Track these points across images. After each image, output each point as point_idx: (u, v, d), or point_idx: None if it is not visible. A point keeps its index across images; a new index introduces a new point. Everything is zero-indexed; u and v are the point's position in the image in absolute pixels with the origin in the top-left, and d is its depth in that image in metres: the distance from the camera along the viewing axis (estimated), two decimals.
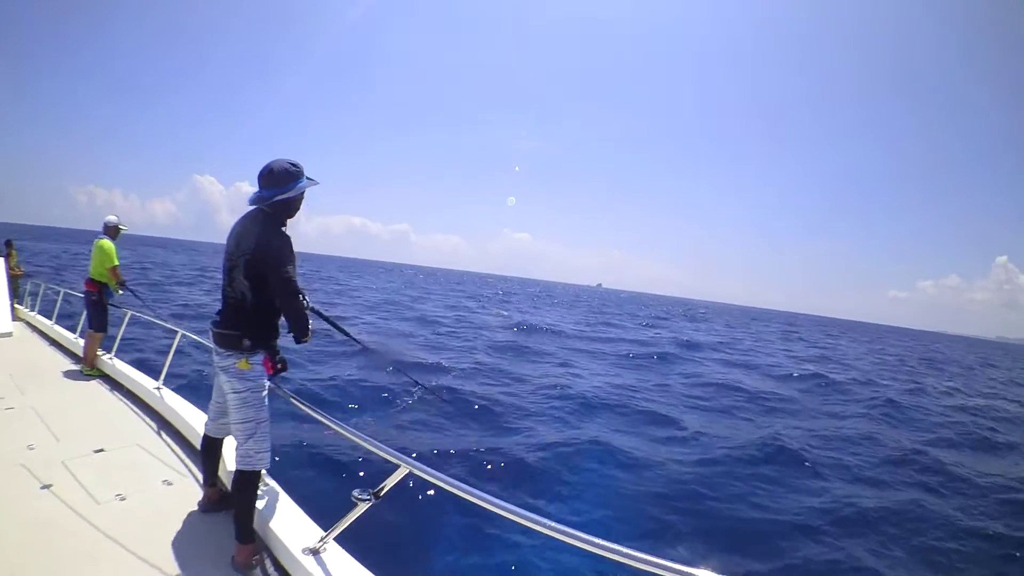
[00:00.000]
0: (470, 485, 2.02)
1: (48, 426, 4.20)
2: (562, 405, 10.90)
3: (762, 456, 8.85)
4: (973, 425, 13.72)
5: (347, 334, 3.35)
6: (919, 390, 19.78)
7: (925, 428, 12.91)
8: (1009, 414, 16.87)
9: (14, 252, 10.83)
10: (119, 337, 6.08)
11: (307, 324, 2.68)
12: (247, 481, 2.66)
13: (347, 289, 42.52)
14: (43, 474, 3.36)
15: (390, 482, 2.30)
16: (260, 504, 2.87)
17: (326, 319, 3.08)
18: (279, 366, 2.79)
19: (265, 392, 2.71)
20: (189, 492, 3.26)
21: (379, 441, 2.41)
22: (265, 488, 3.04)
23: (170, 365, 5.06)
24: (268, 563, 2.64)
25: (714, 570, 1.51)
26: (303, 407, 2.83)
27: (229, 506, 3.07)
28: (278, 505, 2.90)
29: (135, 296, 6.67)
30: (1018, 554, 6.35)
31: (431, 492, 5.46)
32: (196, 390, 7.59)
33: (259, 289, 2.59)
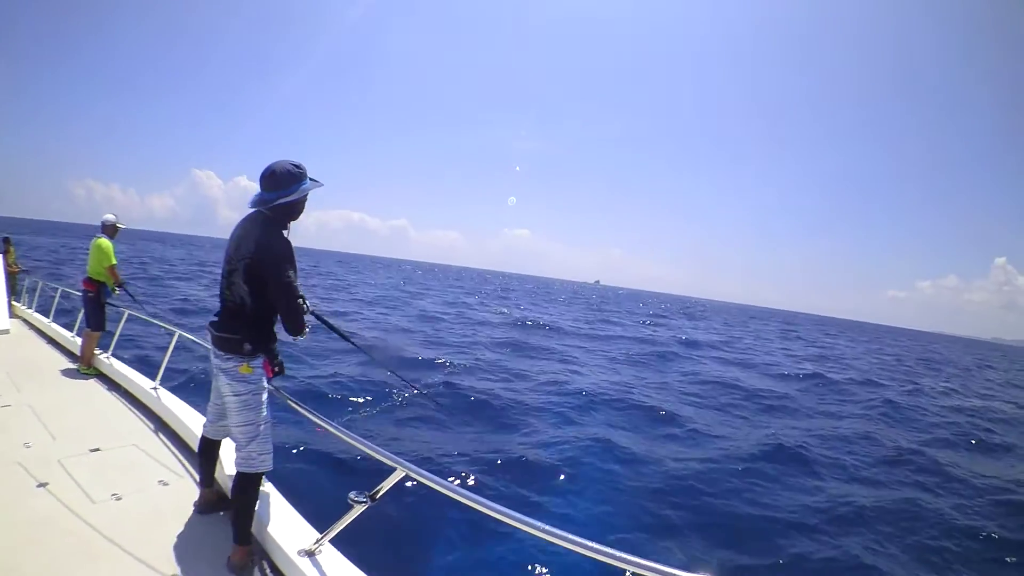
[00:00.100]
0: (466, 487, 2.02)
1: (44, 424, 4.19)
2: (562, 401, 10.93)
3: (760, 454, 8.89)
4: (970, 426, 13.76)
5: (348, 339, 3.32)
6: (917, 390, 19.84)
7: (922, 428, 12.95)
8: (1006, 415, 16.91)
9: (12, 249, 10.81)
10: (116, 336, 6.07)
11: (303, 326, 2.64)
12: (249, 483, 2.64)
13: (345, 284, 42.48)
14: (39, 472, 3.35)
15: (386, 485, 2.30)
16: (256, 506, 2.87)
17: (328, 324, 3.05)
18: (277, 369, 2.78)
19: (265, 394, 2.70)
20: (185, 493, 3.25)
21: (377, 441, 2.40)
22: (260, 490, 3.03)
23: (167, 364, 5.05)
24: (264, 565, 2.64)
25: (712, 571, 1.51)
26: (300, 409, 2.82)
27: (225, 507, 3.07)
28: (274, 507, 2.90)
29: (131, 298, 6.65)
30: (1011, 557, 6.38)
31: (427, 494, 5.42)
32: (193, 390, 7.59)
33: (259, 294, 2.56)
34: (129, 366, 5.72)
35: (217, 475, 3.20)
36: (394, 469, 2.26)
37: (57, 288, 8.38)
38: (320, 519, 2.72)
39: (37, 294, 9.18)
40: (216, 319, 2.69)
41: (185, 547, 2.73)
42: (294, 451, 6.04)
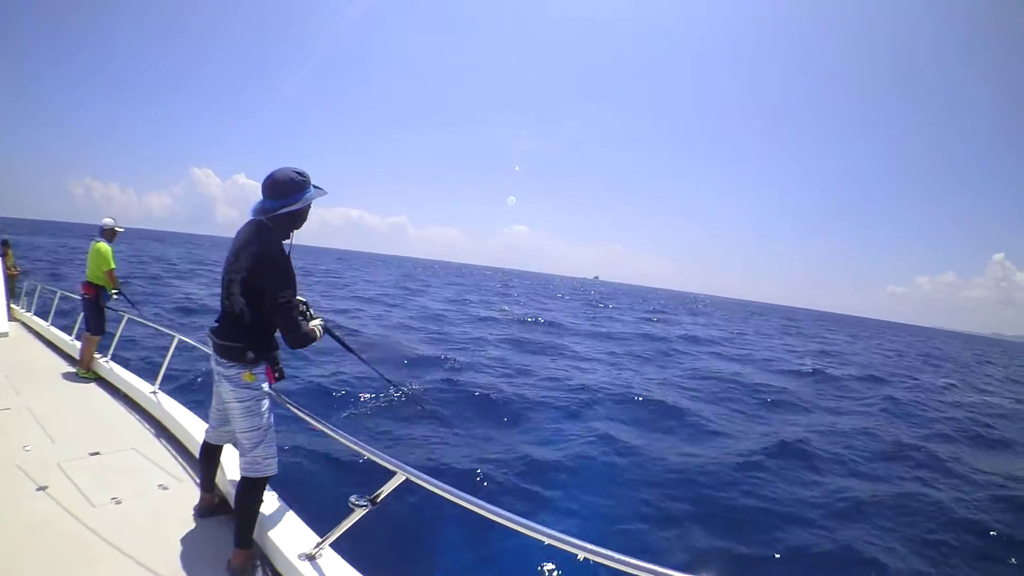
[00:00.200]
0: (468, 489, 2.02)
1: (44, 428, 4.19)
2: (564, 397, 10.97)
3: (761, 449, 8.93)
4: (969, 421, 13.77)
5: (351, 349, 3.30)
6: (917, 386, 19.86)
7: (922, 424, 12.97)
8: (1005, 411, 16.96)
9: (11, 252, 10.80)
10: (115, 340, 6.06)
11: (306, 339, 2.61)
12: (254, 487, 2.64)
13: (345, 282, 42.42)
14: (39, 476, 3.35)
15: (386, 488, 2.30)
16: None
17: (332, 335, 3.05)
18: (278, 375, 2.78)
19: (268, 400, 2.70)
20: (185, 497, 3.25)
21: (379, 443, 2.40)
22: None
23: (165, 368, 5.04)
24: (264, 569, 2.64)
25: (713, 569, 1.51)
26: (300, 413, 2.82)
27: (226, 512, 3.08)
28: (274, 511, 2.90)
29: (129, 303, 6.64)
30: (1009, 553, 6.40)
31: (428, 498, 5.36)
32: (193, 393, 7.60)
33: (256, 306, 2.53)
34: (128, 370, 5.72)
35: (217, 480, 3.19)
36: (394, 473, 2.26)
37: (56, 291, 8.37)
38: (320, 523, 2.72)
39: (36, 297, 9.17)
40: (217, 325, 2.67)
41: (185, 551, 2.73)
42: (295, 455, 6.04)
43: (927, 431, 12.11)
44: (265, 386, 2.68)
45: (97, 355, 5.98)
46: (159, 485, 3.41)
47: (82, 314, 6.37)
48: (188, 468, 3.69)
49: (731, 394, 13.69)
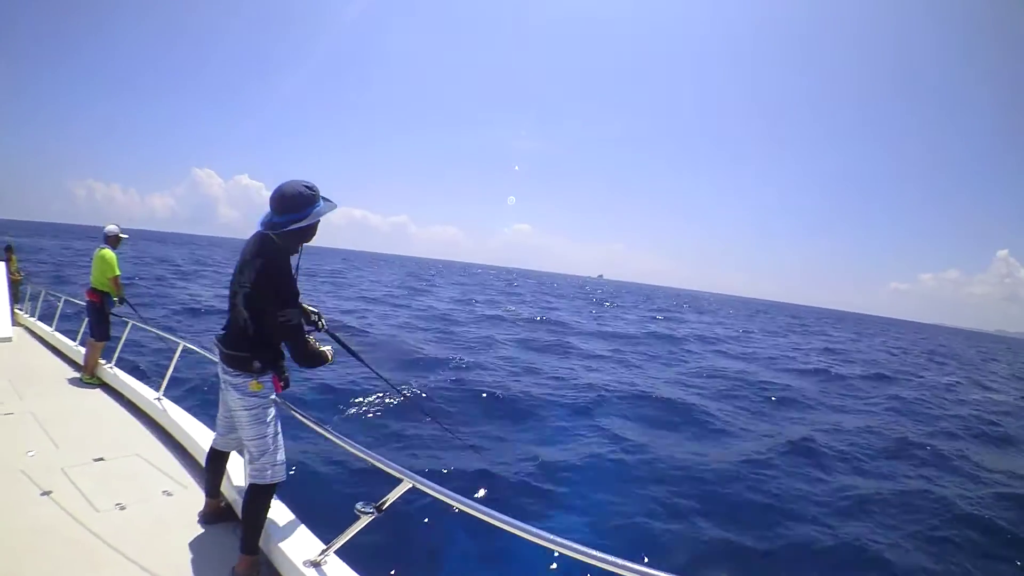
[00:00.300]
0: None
1: (48, 433, 4.19)
2: (573, 396, 11.01)
3: (768, 447, 8.98)
4: (974, 419, 13.76)
5: (359, 358, 3.29)
6: (922, 383, 19.85)
7: (927, 421, 12.97)
8: (1010, 407, 16.96)
9: (14, 257, 10.83)
10: (120, 347, 6.06)
11: (313, 359, 2.61)
12: (262, 494, 2.63)
13: (350, 282, 42.44)
14: (43, 481, 3.35)
15: (392, 496, 2.28)
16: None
17: (341, 343, 3.02)
18: (284, 384, 2.77)
19: (275, 408, 2.70)
20: (190, 503, 3.25)
21: (385, 448, 2.39)
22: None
23: (170, 374, 5.03)
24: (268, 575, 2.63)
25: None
26: (307, 421, 2.82)
27: (230, 518, 3.09)
28: (279, 517, 2.89)
29: (133, 310, 6.64)
30: (1013, 550, 6.41)
31: (435, 505, 5.37)
32: (197, 399, 7.60)
33: (259, 320, 2.52)
34: (133, 375, 5.72)
35: (223, 486, 3.18)
36: (400, 480, 2.24)
37: (61, 297, 8.38)
38: (326, 530, 2.72)
39: (40, 302, 9.18)
40: (224, 333, 2.66)
41: (190, 556, 2.73)
42: (301, 462, 6.02)
43: (932, 429, 12.11)
44: (273, 395, 2.68)
45: (101, 361, 5.97)
46: (163, 491, 3.40)
47: (86, 320, 6.37)
48: (193, 475, 3.68)
49: (738, 392, 13.73)
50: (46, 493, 3.20)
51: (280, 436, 2.69)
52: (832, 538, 6.11)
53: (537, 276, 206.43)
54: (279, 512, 2.92)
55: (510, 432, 8.59)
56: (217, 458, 3.03)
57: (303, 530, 2.82)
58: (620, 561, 1.61)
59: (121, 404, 5.18)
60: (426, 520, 5.13)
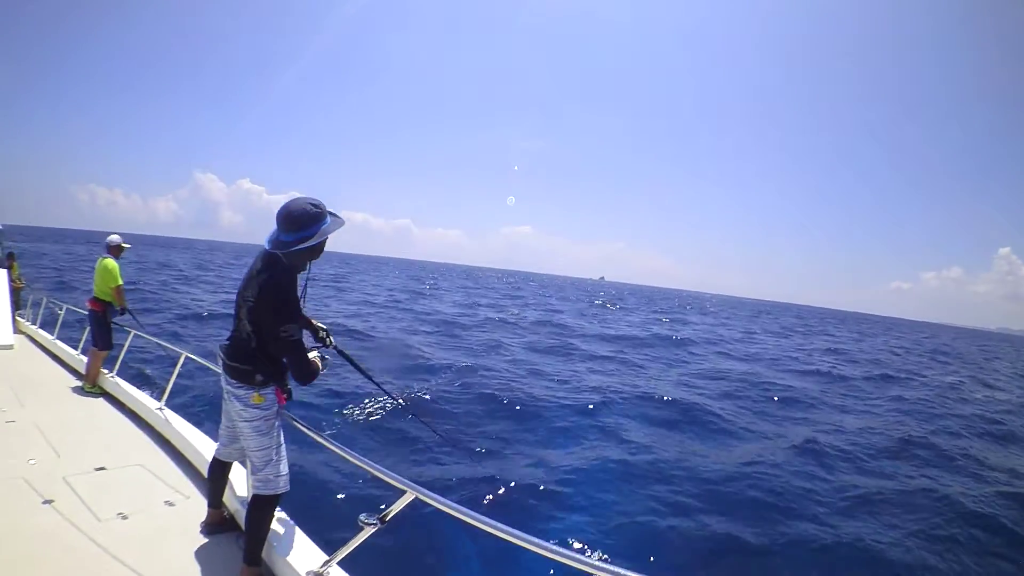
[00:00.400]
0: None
1: (49, 441, 4.18)
2: (578, 398, 11.03)
3: (772, 446, 9.04)
4: (977, 418, 13.75)
5: (367, 375, 3.28)
6: (925, 383, 19.84)
7: (931, 420, 12.97)
8: (1013, 406, 16.93)
9: (16, 265, 10.85)
10: (121, 356, 6.05)
11: (312, 374, 2.61)
12: (266, 505, 2.63)
13: (354, 286, 42.51)
14: (44, 489, 3.34)
15: (396, 507, 2.27)
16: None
17: (350, 360, 2.99)
18: (287, 396, 2.76)
19: (278, 419, 2.69)
20: (191, 513, 3.23)
21: (391, 457, 2.37)
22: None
23: (172, 384, 5.00)
24: None
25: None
26: (310, 432, 2.81)
27: (233, 528, 3.07)
28: (282, 528, 2.88)
29: (136, 321, 6.65)
30: (1017, 549, 6.41)
31: (439, 516, 5.29)
32: (199, 408, 7.60)
33: (261, 335, 2.53)
34: (135, 384, 5.72)
35: (225, 497, 3.17)
36: (404, 492, 2.22)
37: (63, 305, 8.37)
38: (329, 541, 2.71)
39: (42, 309, 9.18)
40: (228, 344, 2.67)
41: (192, 566, 2.72)
42: (304, 472, 6.00)
43: (935, 427, 12.09)
44: (275, 407, 2.67)
45: (103, 370, 5.96)
46: (165, 501, 3.39)
47: (88, 329, 6.36)
48: (194, 486, 3.67)
49: (741, 393, 13.74)
50: (48, 502, 3.19)
51: (283, 447, 2.69)
52: (836, 536, 6.15)
53: (539, 278, 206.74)
54: (282, 523, 2.92)
55: (516, 434, 8.63)
56: (219, 468, 3.02)
57: (306, 541, 2.81)
58: (624, 572, 1.59)
59: (123, 413, 5.17)
60: (430, 531, 5.10)
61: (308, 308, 2.80)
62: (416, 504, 2.22)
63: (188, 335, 14.88)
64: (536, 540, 1.82)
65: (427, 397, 9.95)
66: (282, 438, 2.69)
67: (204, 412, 7.28)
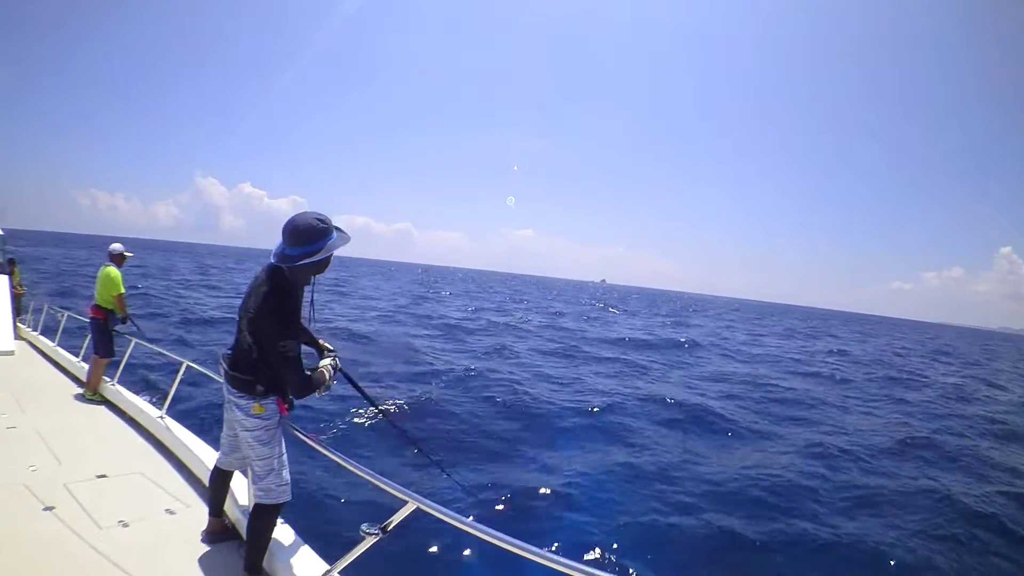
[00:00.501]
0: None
1: (50, 448, 4.17)
2: (584, 401, 11.03)
3: (776, 447, 9.09)
4: (979, 418, 13.76)
5: (372, 401, 3.26)
6: (927, 383, 19.83)
7: (933, 419, 12.99)
8: (1014, 405, 16.96)
9: (17, 271, 10.86)
10: (122, 364, 6.04)
11: (309, 388, 2.58)
12: (267, 514, 2.63)
13: (357, 290, 42.55)
14: (45, 496, 3.34)
15: (397, 517, 2.25)
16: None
17: (353, 383, 3.01)
18: (288, 406, 2.75)
19: (279, 429, 2.69)
20: (192, 522, 3.22)
21: (393, 466, 2.35)
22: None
23: (173, 393, 5.00)
24: None
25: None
26: (311, 442, 2.80)
27: (234, 537, 3.06)
28: (283, 537, 2.87)
29: (137, 329, 6.63)
30: (1018, 548, 6.42)
31: (441, 526, 5.33)
32: (201, 417, 7.58)
33: (261, 346, 2.52)
34: (136, 392, 5.71)
35: (226, 506, 3.16)
36: (406, 502, 2.21)
37: (64, 313, 8.37)
38: (330, 550, 2.69)
39: (43, 315, 9.18)
40: (230, 354, 2.68)
41: (193, 575, 2.71)
42: (305, 482, 5.98)
43: (938, 427, 12.10)
44: (277, 417, 2.67)
45: (104, 378, 5.95)
46: (166, 509, 3.38)
47: (90, 336, 6.35)
48: (196, 494, 3.66)
49: (746, 394, 13.77)
50: (48, 508, 3.19)
51: (285, 456, 2.68)
52: (838, 536, 6.18)
53: (540, 282, 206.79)
54: (283, 532, 2.90)
55: (521, 436, 8.65)
56: (221, 477, 3.02)
57: (307, 550, 2.80)
58: None
59: (124, 421, 5.16)
60: (432, 541, 5.08)
61: (315, 321, 2.82)
62: (418, 514, 2.20)
63: (193, 339, 14.94)
64: (539, 550, 1.81)
65: (432, 399, 9.96)
66: (284, 447, 2.69)
67: (205, 421, 7.27)
